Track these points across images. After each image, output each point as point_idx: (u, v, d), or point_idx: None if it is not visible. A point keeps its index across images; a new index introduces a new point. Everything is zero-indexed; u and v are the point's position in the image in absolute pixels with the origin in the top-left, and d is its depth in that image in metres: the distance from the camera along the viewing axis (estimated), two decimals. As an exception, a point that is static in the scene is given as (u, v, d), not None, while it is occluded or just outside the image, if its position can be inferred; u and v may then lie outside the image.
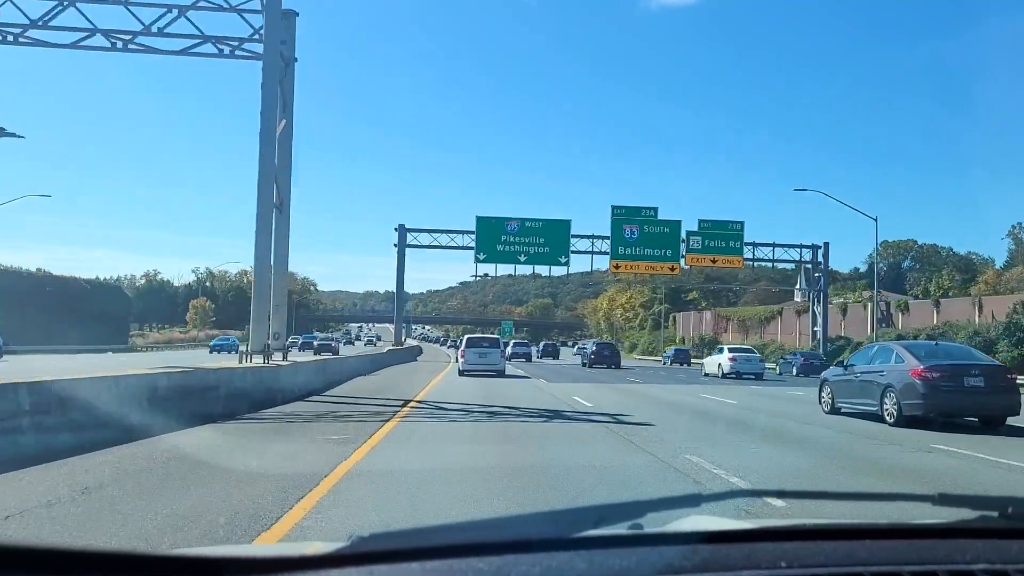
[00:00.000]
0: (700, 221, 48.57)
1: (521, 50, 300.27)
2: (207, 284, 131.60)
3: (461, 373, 29.18)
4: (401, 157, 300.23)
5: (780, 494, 2.41)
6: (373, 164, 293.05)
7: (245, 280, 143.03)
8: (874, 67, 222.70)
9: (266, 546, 3.94)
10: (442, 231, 50.84)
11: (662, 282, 54.76)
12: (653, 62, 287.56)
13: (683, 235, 47.75)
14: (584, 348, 53.64)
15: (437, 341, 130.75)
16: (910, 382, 13.61)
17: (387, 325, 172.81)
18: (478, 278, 48.49)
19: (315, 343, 57.38)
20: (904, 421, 13.49)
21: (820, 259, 52.43)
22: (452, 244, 50.04)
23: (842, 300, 64.57)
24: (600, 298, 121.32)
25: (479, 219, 48.19)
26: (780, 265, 58.71)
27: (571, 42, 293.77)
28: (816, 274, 52.91)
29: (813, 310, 53.84)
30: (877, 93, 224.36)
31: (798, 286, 79.12)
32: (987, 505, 1.35)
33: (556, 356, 62.65)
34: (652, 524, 1.33)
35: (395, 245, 51.04)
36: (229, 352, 50.73)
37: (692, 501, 1.39)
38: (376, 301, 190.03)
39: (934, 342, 18.03)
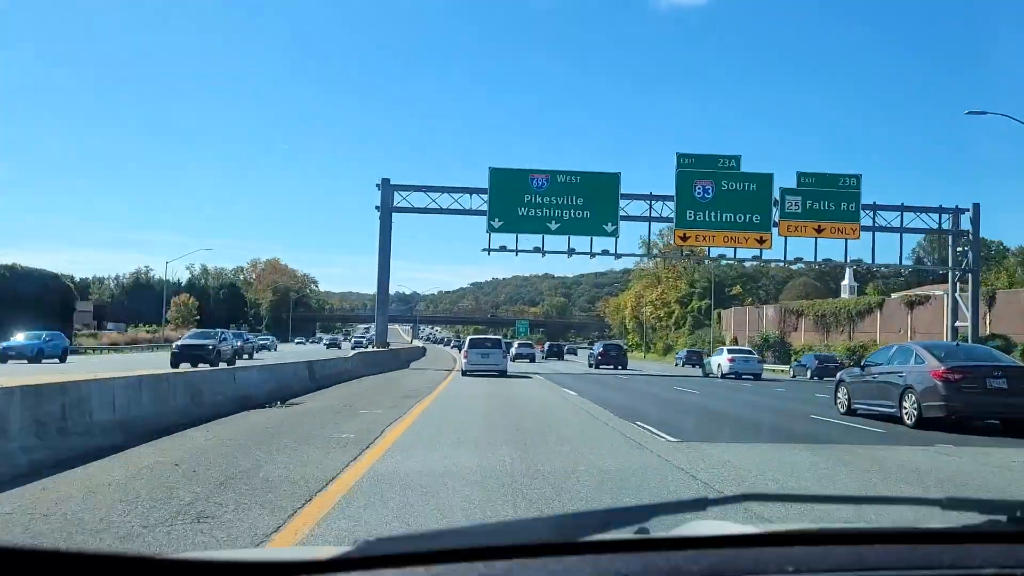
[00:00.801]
0: (800, 175, 37.30)
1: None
2: (202, 281, 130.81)
3: (464, 373, 29.65)
4: (402, 145, 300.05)
5: (786, 498, 2.46)
6: (376, 160, 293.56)
7: (241, 277, 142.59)
8: (875, 68, 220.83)
9: (272, 550, 4.01)
10: (442, 189, 39.57)
11: (746, 258, 39.16)
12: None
13: (776, 195, 37.21)
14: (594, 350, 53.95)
15: (441, 342, 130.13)
16: (931, 383, 13.68)
17: (395, 325, 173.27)
18: (490, 252, 37.83)
19: (174, 347, 35.47)
20: (924, 423, 13.56)
21: (968, 226, 39.55)
22: (456, 208, 39.10)
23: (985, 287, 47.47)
24: (624, 295, 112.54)
25: (493, 172, 37.49)
26: (910, 237, 45.55)
27: None
28: (961, 247, 40.00)
29: (954, 297, 41.14)
30: (877, 92, 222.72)
31: (845, 282, 70.11)
32: (995, 509, 1.39)
33: (561, 357, 62.93)
34: (658, 528, 1.38)
35: (377, 208, 39.25)
36: (31, 359, 34.84)
37: (698, 505, 1.44)
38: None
39: (955, 343, 18.10)
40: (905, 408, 14.12)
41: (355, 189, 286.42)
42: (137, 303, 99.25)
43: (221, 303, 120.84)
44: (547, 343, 77.49)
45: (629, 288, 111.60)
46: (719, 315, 75.79)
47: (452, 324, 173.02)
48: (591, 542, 1.29)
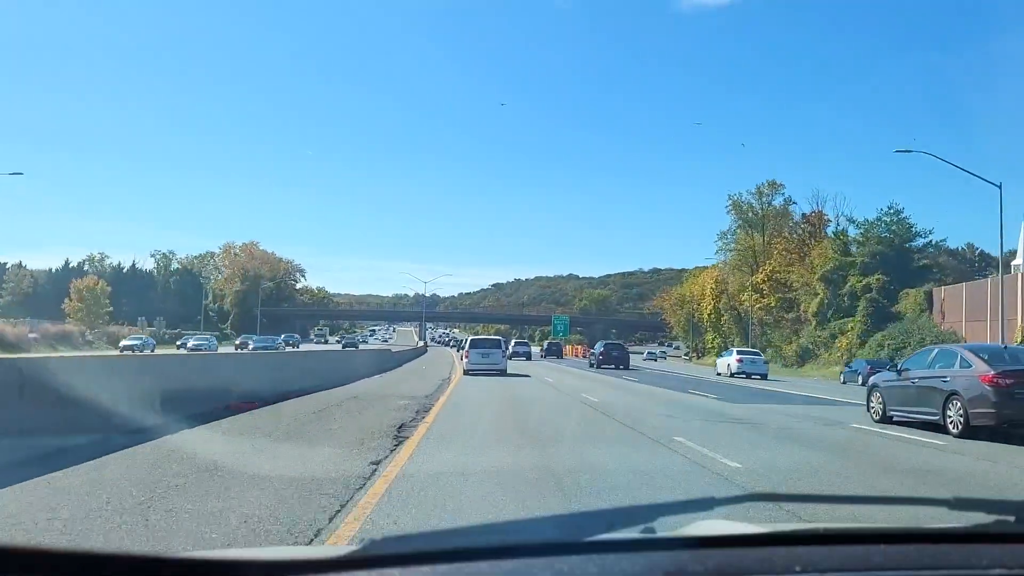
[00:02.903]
0: None
1: None
2: (161, 270, 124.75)
3: (466, 372, 33.24)
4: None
5: (794, 498, 2.62)
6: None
7: (211, 263, 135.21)
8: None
9: (279, 548, 4.19)
10: None
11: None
12: None
13: None
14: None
15: (446, 343, 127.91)
16: (980, 389, 13.86)
17: (409, 327, 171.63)
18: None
19: None
20: (971, 432, 13.77)
21: None
22: None
23: None
24: (690, 283, 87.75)
25: None
26: None
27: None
28: None
29: None
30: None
31: (1018, 261, 61.00)
32: (1003, 509, 1.57)
33: (560, 356, 72.13)
34: (665, 528, 1.55)
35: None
36: None
37: (705, 505, 1.61)
38: (406, 303, 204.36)
39: (1002, 345, 18.30)
40: (949, 416, 14.32)
41: (366, 180, 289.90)
42: (63, 295, 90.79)
43: (172, 294, 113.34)
44: (547, 343, 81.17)
45: (688, 278, 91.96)
46: (931, 296, 52.84)
47: (472, 324, 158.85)
48: (597, 541, 1.47)
